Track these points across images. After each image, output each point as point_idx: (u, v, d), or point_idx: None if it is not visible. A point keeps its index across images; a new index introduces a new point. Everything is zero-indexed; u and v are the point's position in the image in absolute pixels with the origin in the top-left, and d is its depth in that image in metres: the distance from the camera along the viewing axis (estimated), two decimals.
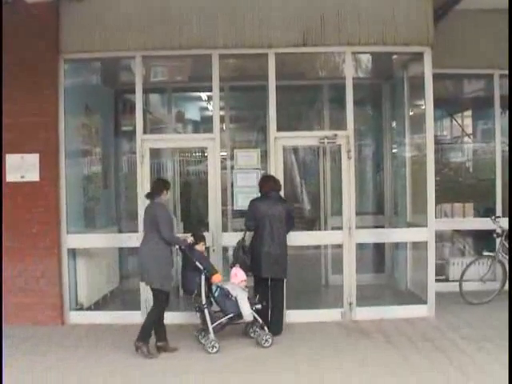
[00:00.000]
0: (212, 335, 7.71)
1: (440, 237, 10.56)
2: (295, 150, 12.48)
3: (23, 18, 8.62)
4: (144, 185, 9.09)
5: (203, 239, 8.16)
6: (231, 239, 8.93)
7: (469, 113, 13.25)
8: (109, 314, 9.32)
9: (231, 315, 7.86)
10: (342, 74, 9.41)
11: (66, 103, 9.16)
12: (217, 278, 7.86)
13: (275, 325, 8.20)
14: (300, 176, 13.04)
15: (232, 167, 9.88)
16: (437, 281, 9.44)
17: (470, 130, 13.08)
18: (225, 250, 9.23)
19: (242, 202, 9.23)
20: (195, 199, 12.04)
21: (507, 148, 10.72)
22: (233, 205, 9.74)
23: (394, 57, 10.57)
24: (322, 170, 11.45)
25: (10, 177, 8.95)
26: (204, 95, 13.28)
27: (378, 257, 11.26)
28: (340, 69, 10.08)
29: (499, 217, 10.37)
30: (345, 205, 9.17)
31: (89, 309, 9.49)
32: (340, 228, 9.30)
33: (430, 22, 9.05)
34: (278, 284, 8.40)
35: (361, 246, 9.59)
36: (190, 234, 8.14)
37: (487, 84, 11.42)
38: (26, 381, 6.77)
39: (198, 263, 7.76)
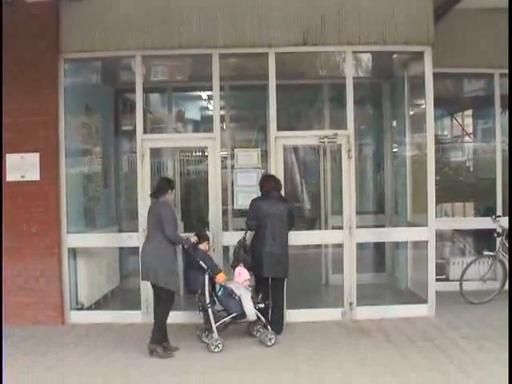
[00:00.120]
0: (216, 334, 7.71)
1: (440, 236, 10.56)
2: (295, 149, 12.45)
3: (23, 17, 8.65)
4: (144, 184, 9.11)
5: (207, 238, 8.17)
6: (232, 238, 8.93)
7: (469, 112, 13.25)
8: (109, 314, 9.32)
9: (235, 314, 7.87)
10: (343, 74, 9.42)
11: (66, 103, 9.17)
12: (221, 278, 7.86)
13: (276, 324, 8.19)
14: (300, 175, 13.02)
15: (232, 166, 9.88)
16: (437, 280, 9.44)
17: (470, 130, 13.08)
18: (225, 249, 9.21)
19: (242, 202, 9.24)
20: (196, 199, 12.03)
21: (507, 147, 10.72)
22: (233, 204, 9.73)
23: (395, 56, 10.56)
24: (323, 169, 11.45)
25: (10, 176, 8.95)
26: (204, 94, 13.26)
27: (378, 256, 11.26)
28: (340, 68, 10.08)
29: (500, 216, 10.37)
30: (345, 204, 9.16)
31: (89, 308, 9.49)
32: (340, 227, 9.29)
33: (430, 21, 9.05)
34: (278, 283, 8.39)
35: (361, 246, 9.58)
36: (193, 234, 8.15)
37: (487, 83, 11.42)
38: (26, 380, 6.77)
39: (201, 262, 7.76)
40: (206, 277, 7.79)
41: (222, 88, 9.67)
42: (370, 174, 12.06)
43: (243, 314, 7.86)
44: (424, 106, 9.33)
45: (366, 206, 11.69)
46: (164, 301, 7.66)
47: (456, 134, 13.15)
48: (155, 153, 10.12)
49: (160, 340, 7.58)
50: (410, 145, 10.50)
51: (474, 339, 7.93)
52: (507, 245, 10.00)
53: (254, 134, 12.65)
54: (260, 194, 8.58)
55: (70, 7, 8.99)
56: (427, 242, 9.19)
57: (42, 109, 8.92)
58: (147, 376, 6.94)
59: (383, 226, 10.95)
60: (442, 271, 10.70)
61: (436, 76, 9.25)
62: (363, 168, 11.85)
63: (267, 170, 9.28)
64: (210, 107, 11.69)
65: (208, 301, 7.78)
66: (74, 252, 9.35)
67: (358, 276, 9.25)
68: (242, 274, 8.16)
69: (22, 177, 8.96)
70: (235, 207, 9.70)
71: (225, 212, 9.75)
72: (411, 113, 10.60)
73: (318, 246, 11.05)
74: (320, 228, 11.27)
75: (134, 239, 9.08)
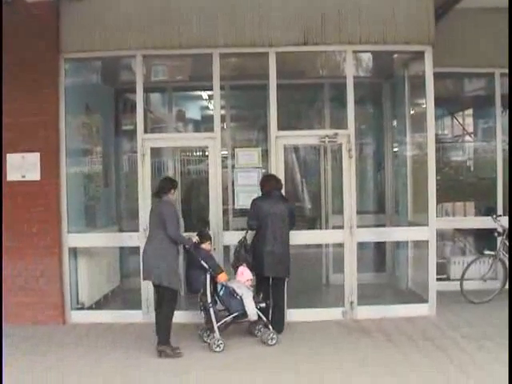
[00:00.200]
0: (217, 334, 7.72)
1: (441, 236, 10.57)
2: (296, 148, 12.46)
3: (23, 17, 8.66)
4: (145, 184, 9.11)
5: (209, 238, 8.18)
6: (232, 238, 8.94)
7: (470, 112, 13.24)
8: (110, 313, 9.32)
9: (236, 314, 7.87)
10: (343, 73, 9.42)
11: (67, 102, 9.17)
12: (222, 278, 7.86)
13: (276, 324, 8.19)
14: (301, 175, 13.03)
15: (233, 166, 9.87)
16: (438, 280, 9.44)
17: (470, 129, 13.07)
18: (226, 248, 9.21)
19: (242, 201, 9.25)
20: (196, 198, 12.02)
21: (508, 147, 10.71)
22: (234, 204, 9.73)
23: (395, 56, 10.57)
24: (323, 168, 11.45)
25: (11, 176, 8.96)
26: (205, 94, 13.28)
27: (378, 256, 11.26)
28: (341, 68, 10.08)
29: (500, 215, 10.35)
30: (346, 204, 9.16)
31: (90, 308, 9.49)
32: (341, 227, 9.29)
33: (430, 20, 9.05)
34: (279, 283, 8.40)
35: (362, 245, 9.58)
36: (195, 234, 8.16)
37: (488, 83, 11.40)
38: (26, 380, 6.77)
39: (203, 262, 7.76)
40: (208, 276, 7.79)
41: (222, 87, 9.66)
42: (371, 174, 12.06)
43: (244, 314, 7.87)
44: (424, 106, 9.32)
45: (367, 205, 11.68)
46: (168, 301, 7.64)
47: (457, 133, 13.15)
48: (156, 152, 10.12)
49: (167, 340, 7.57)
50: (410, 144, 10.50)
51: (475, 339, 7.92)
52: (508, 244, 9.99)
53: (254, 133, 12.65)
54: (261, 194, 8.57)
55: (70, 7, 8.99)
56: (428, 241, 9.18)
57: (43, 109, 8.92)
58: (147, 376, 6.94)
59: (384, 226, 10.94)
60: (442, 271, 10.69)
61: (436, 76, 9.24)
62: (364, 167, 11.85)
63: (268, 169, 9.28)
64: (211, 107, 11.72)
65: (209, 300, 7.78)
66: (74, 252, 9.35)
67: (359, 275, 9.24)
68: (245, 274, 8.16)
69: (23, 177, 8.97)
70: (236, 207, 9.70)
71: (225, 212, 9.77)
72: (412, 112, 10.60)
73: (319, 246, 11.05)
74: (320, 227, 11.27)
75: (135, 239, 9.09)
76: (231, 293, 7.89)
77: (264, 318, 8.01)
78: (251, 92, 12.33)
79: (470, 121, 13.25)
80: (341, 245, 9.28)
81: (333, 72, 11.37)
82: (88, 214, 10.39)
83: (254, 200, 8.48)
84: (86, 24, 9.00)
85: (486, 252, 10.26)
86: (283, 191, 8.66)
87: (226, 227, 9.69)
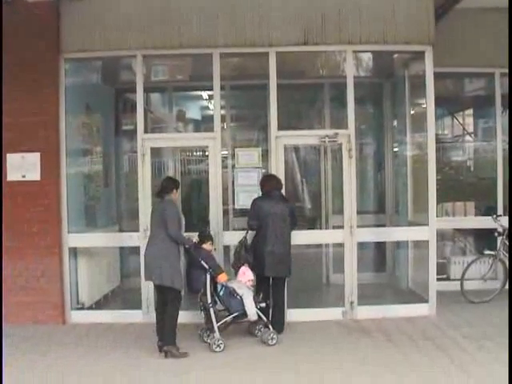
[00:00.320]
0: (217, 334, 7.72)
1: (441, 235, 10.56)
2: (296, 148, 12.45)
3: (23, 17, 8.67)
4: (145, 184, 9.12)
5: (210, 239, 8.17)
6: (232, 238, 8.94)
7: (470, 111, 13.24)
8: (110, 313, 9.33)
9: (236, 314, 7.87)
10: (343, 73, 9.43)
11: (67, 102, 9.17)
12: (222, 278, 7.86)
13: (276, 323, 8.19)
14: (301, 175, 13.03)
15: (233, 166, 9.87)
16: (438, 280, 9.44)
17: (471, 129, 13.07)
18: (226, 248, 9.21)
19: (243, 201, 9.25)
20: (196, 198, 12.03)
21: (508, 147, 10.71)
22: (234, 204, 9.73)
23: (395, 55, 10.58)
24: (323, 168, 11.45)
25: (11, 176, 8.96)
26: (205, 94, 13.27)
27: (379, 256, 11.25)
28: (341, 67, 10.10)
29: (500, 215, 10.35)
30: (346, 203, 9.16)
31: (90, 308, 9.50)
32: (341, 227, 9.29)
33: (431, 20, 9.05)
34: (279, 283, 8.41)
35: (362, 245, 9.57)
36: (197, 234, 8.16)
37: (488, 83, 11.41)
38: (26, 380, 6.78)
39: (203, 262, 7.76)
40: (208, 276, 7.79)
41: (222, 87, 9.65)
42: (371, 174, 12.06)
43: (244, 314, 7.87)
44: (425, 106, 9.33)
45: (367, 205, 11.69)
46: (172, 300, 7.63)
47: (457, 133, 13.15)
48: (156, 152, 10.12)
49: (174, 341, 7.56)
50: (410, 144, 10.50)
51: (475, 338, 7.92)
52: (508, 244, 9.99)
53: (254, 133, 12.64)
54: (261, 194, 8.57)
55: (71, 7, 8.99)
56: (428, 241, 9.18)
57: (43, 109, 8.92)
58: (148, 376, 6.94)
59: (384, 226, 10.95)
60: (442, 271, 10.69)
61: (437, 75, 9.24)
62: (364, 167, 11.86)
63: (268, 169, 9.28)
64: (211, 107, 11.71)
65: (209, 300, 7.78)
66: (74, 251, 9.35)
67: (359, 275, 9.24)
68: (247, 274, 8.15)
69: (23, 176, 8.97)
70: (236, 207, 9.69)
71: (225, 212, 9.75)
72: (412, 112, 10.61)
73: (319, 246, 11.05)
74: (321, 227, 11.27)
75: (135, 239, 9.10)
76: (231, 293, 7.89)
77: (264, 318, 8.01)
78: (251, 92, 12.33)
79: (470, 121, 13.25)
80: (341, 245, 9.27)
81: (333, 72, 11.38)
82: (88, 214, 10.39)
83: (254, 200, 8.48)
84: (86, 24, 9.00)
85: (486, 252, 10.26)
86: (283, 191, 8.65)
87: (226, 227, 9.68)
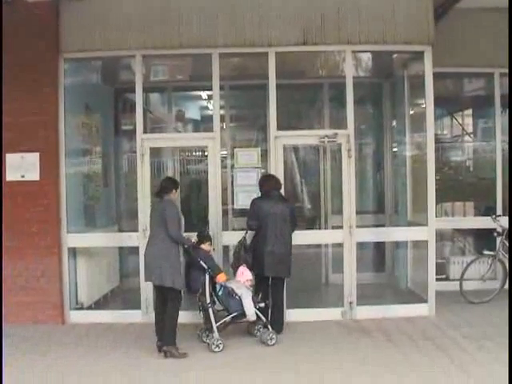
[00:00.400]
0: (216, 334, 7.71)
1: (440, 236, 10.58)
2: (295, 148, 12.44)
3: (23, 17, 8.66)
4: (144, 184, 9.11)
5: (209, 239, 8.16)
6: (232, 238, 8.94)
7: (469, 111, 13.24)
8: (109, 313, 9.33)
9: (235, 314, 7.87)
10: (343, 73, 9.42)
11: (66, 102, 9.17)
12: (221, 278, 7.85)
13: (276, 323, 8.18)
14: (300, 175, 13.02)
15: (232, 166, 9.88)
16: (437, 280, 9.44)
17: (470, 129, 13.06)
18: (225, 248, 9.21)
19: (242, 201, 9.24)
20: (195, 198, 12.03)
21: (507, 147, 10.72)
22: (233, 204, 9.73)
23: (395, 55, 10.57)
24: (323, 168, 11.46)
25: (10, 176, 8.95)
26: (204, 94, 13.26)
27: (378, 256, 11.25)
28: (340, 67, 10.10)
29: (500, 215, 10.36)
30: (345, 204, 9.16)
31: (89, 308, 9.50)
32: (340, 227, 9.30)
33: (430, 20, 9.05)
34: (278, 283, 8.39)
35: (361, 245, 9.58)
36: (196, 234, 8.16)
37: (487, 83, 11.41)
38: (26, 380, 6.77)
39: (202, 262, 7.75)
40: (207, 277, 7.78)
41: (221, 87, 9.68)
42: (370, 174, 12.06)
43: (243, 314, 7.86)
44: (424, 106, 9.33)
45: (366, 205, 11.68)
46: (172, 300, 7.62)
47: (456, 133, 13.15)
48: (155, 152, 10.11)
49: (174, 341, 7.55)
50: (410, 144, 10.50)
51: (475, 338, 7.93)
52: (507, 244, 9.99)
53: (253, 133, 12.64)
54: (260, 194, 8.57)
55: (70, 7, 8.99)
56: (427, 241, 9.19)
57: (42, 108, 8.92)
58: (147, 376, 6.94)
59: (383, 226, 10.95)
60: (442, 271, 10.70)
61: (436, 75, 9.24)
62: (363, 167, 11.85)
63: (267, 169, 9.28)
64: (210, 107, 11.69)
65: (208, 300, 7.78)
66: (74, 251, 9.35)
67: (358, 275, 9.24)
68: (245, 274, 8.15)
69: (22, 176, 8.97)
70: (235, 207, 9.69)
71: (225, 212, 9.74)
72: (411, 112, 10.61)
73: (318, 246, 11.05)
74: (320, 227, 11.28)
75: (134, 239, 9.10)
76: (230, 293, 7.88)
77: (263, 318, 8.01)
78: (251, 92, 12.34)
79: (469, 121, 13.25)
80: (340, 245, 9.27)
81: (332, 72, 11.38)
82: (87, 214, 10.37)
83: (253, 200, 8.47)
84: (85, 24, 8.99)
85: (486, 252, 10.24)
86: (282, 191, 8.65)
87: (226, 227, 9.67)
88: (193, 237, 8.01)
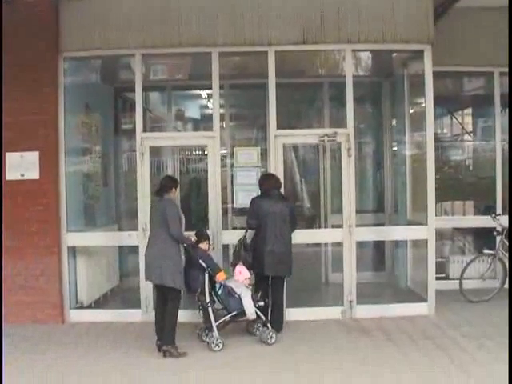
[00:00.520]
0: (216, 333, 7.71)
1: (440, 235, 10.57)
2: (295, 147, 12.44)
3: (23, 16, 8.66)
4: (144, 183, 9.11)
5: (207, 238, 8.14)
6: (231, 237, 8.95)
7: (469, 111, 13.25)
8: (109, 313, 9.32)
9: (234, 313, 7.86)
10: (342, 72, 9.42)
11: (66, 101, 9.16)
12: (221, 277, 7.84)
13: (275, 322, 8.19)
14: (300, 174, 13.02)
15: (232, 165, 9.88)
16: (437, 279, 9.44)
17: (470, 128, 13.08)
18: (225, 247, 9.20)
19: (242, 200, 9.24)
20: (195, 197, 12.03)
21: (507, 146, 10.72)
22: (233, 203, 9.73)
23: (394, 55, 10.57)
24: (322, 168, 11.45)
25: (10, 175, 8.95)
26: (204, 93, 13.28)
27: (378, 255, 11.26)
28: (340, 67, 10.09)
29: (499, 215, 10.36)
30: (345, 203, 9.16)
31: (89, 307, 9.50)
32: (340, 226, 9.30)
33: (430, 19, 9.04)
34: (278, 282, 8.39)
35: (361, 244, 9.59)
36: (194, 233, 8.15)
37: (487, 82, 11.42)
38: (26, 379, 6.77)
39: (201, 261, 7.75)
40: (206, 276, 7.77)
41: (221, 86, 9.67)
42: (370, 173, 12.05)
43: (243, 313, 7.86)
44: (424, 105, 9.32)
45: (366, 204, 11.68)
46: (172, 300, 7.61)
47: (456, 132, 13.16)
48: (155, 151, 10.10)
49: (173, 340, 7.55)
50: (409, 143, 10.50)
51: (474, 338, 7.93)
52: (507, 243, 10.00)
53: (253, 132, 12.65)
54: (260, 193, 8.57)
55: (70, 6, 8.99)
56: (427, 240, 9.19)
57: (42, 108, 8.91)
58: (147, 375, 6.93)
59: (383, 225, 10.95)
60: (441, 270, 10.71)
61: (436, 75, 9.24)
62: (363, 166, 11.85)
63: (267, 168, 9.28)
64: (210, 106, 11.67)
65: (208, 299, 7.77)
66: (73, 251, 9.35)
67: (358, 274, 9.24)
68: (243, 273, 8.14)
69: (22, 175, 8.96)
70: (235, 206, 9.69)
71: (224, 211, 9.74)
72: (411, 111, 10.61)
73: (318, 245, 11.06)
74: (320, 226, 11.28)
75: (134, 238, 9.10)
76: (229, 292, 7.87)
77: (263, 317, 8.01)
78: (250, 91, 12.33)
79: (469, 120, 13.26)
80: (340, 244, 9.27)
81: (332, 71, 11.36)
82: (87, 213, 10.37)
83: (253, 199, 8.46)
84: (85, 23, 8.99)
85: (485, 251, 10.26)
86: (282, 190, 8.65)
87: (226, 226, 9.67)
88: (192, 236, 8.01)
